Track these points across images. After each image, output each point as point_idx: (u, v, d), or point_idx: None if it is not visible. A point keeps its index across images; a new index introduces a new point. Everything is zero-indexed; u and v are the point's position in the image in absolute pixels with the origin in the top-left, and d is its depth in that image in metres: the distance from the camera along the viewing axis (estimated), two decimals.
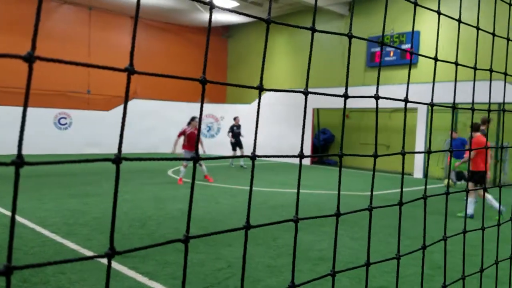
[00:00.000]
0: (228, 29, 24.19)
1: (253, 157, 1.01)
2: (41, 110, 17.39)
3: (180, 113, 19.83)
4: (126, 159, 0.81)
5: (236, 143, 15.48)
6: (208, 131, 21.37)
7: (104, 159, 0.79)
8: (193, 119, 11.23)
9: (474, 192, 7.60)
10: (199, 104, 20.81)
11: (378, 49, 17.31)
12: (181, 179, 10.96)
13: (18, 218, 6.54)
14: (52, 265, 3.78)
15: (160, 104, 20.41)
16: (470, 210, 7.54)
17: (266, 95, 18.72)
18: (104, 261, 4.69)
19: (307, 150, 17.23)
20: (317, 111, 18.50)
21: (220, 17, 21.42)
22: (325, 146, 18.90)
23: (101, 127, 18.40)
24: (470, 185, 7.47)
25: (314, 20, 1.10)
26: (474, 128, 7.81)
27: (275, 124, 18.16)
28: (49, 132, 17.61)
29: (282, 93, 18.84)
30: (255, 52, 22.31)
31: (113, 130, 19.59)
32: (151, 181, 11.03)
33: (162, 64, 21.85)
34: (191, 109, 20.98)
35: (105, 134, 18.33)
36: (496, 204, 7.25)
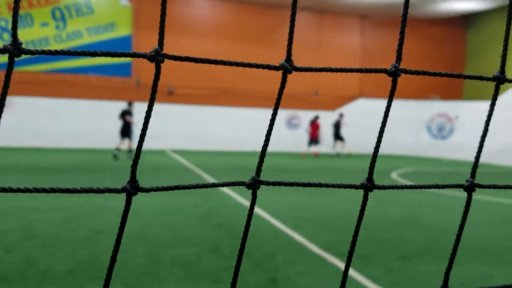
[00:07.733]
0: (467, 19, 21.82)
1: None
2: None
3: (407, 111, 18.97)
4: None
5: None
6: (438, 131, 19.78)
7: None
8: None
9: None
10: (427, 102, 19.46)
11: None
12: None
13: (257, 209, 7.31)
14: (282, 256, 4.00)
15: (385, 103, 20.05)
16: None
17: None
18: (329, 258, 4.79)
19: None
20: None
21: (458, 6, 19.49)
22: None
23: (324, 126, 19.31)
24: None
25: None
26: None
27: None
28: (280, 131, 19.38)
29: None
30: (500, 42, 19.45)
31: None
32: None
33: (390, 62, 21.32)
34: (419, 107, 19.79)
35: (328, 133, 19.09)
36: None
